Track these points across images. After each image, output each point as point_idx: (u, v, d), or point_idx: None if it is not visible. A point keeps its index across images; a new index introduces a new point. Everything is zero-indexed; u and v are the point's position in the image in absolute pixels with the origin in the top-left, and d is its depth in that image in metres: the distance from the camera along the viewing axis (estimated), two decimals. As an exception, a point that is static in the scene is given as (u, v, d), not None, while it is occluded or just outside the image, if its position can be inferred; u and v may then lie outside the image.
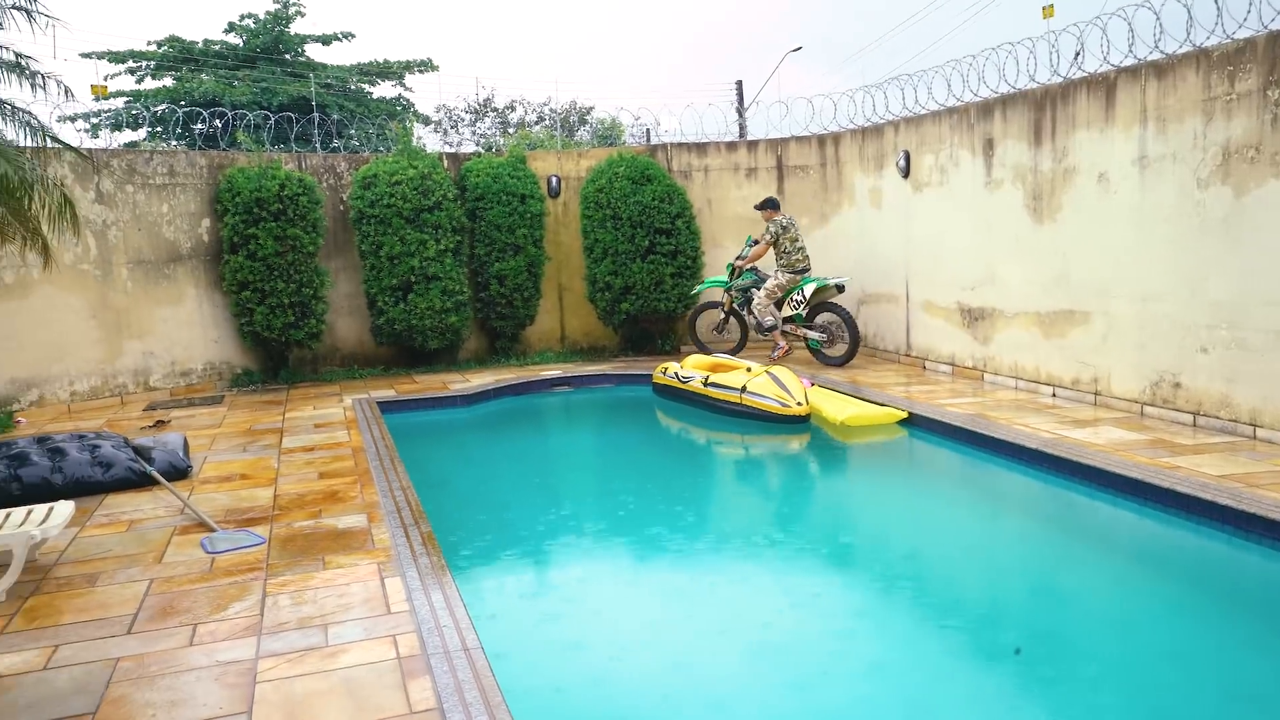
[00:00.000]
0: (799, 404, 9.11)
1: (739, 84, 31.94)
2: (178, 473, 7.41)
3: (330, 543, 5.80)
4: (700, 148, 13.70)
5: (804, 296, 11.63)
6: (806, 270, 11.79)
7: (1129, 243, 8.37)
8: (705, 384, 9.96)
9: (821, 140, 13.35)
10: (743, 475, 8.85)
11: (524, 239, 12.59)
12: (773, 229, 11.71)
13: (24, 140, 8.24)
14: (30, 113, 7.78)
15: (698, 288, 12.56)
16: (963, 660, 4.72)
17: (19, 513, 5.51)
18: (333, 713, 3.74)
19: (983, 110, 10.18)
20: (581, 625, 5.30)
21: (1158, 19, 8.02)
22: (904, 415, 8.92)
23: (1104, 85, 8.56)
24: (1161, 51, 8.05)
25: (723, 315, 12.57)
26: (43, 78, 7.88)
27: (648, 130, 20.08)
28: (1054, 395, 9.33)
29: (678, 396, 10.53)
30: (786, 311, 11.82)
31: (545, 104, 30.61)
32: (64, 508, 5.59)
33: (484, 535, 6.75)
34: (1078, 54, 8.95)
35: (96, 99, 14.37)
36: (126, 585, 5.22)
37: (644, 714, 4.27)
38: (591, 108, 30.46)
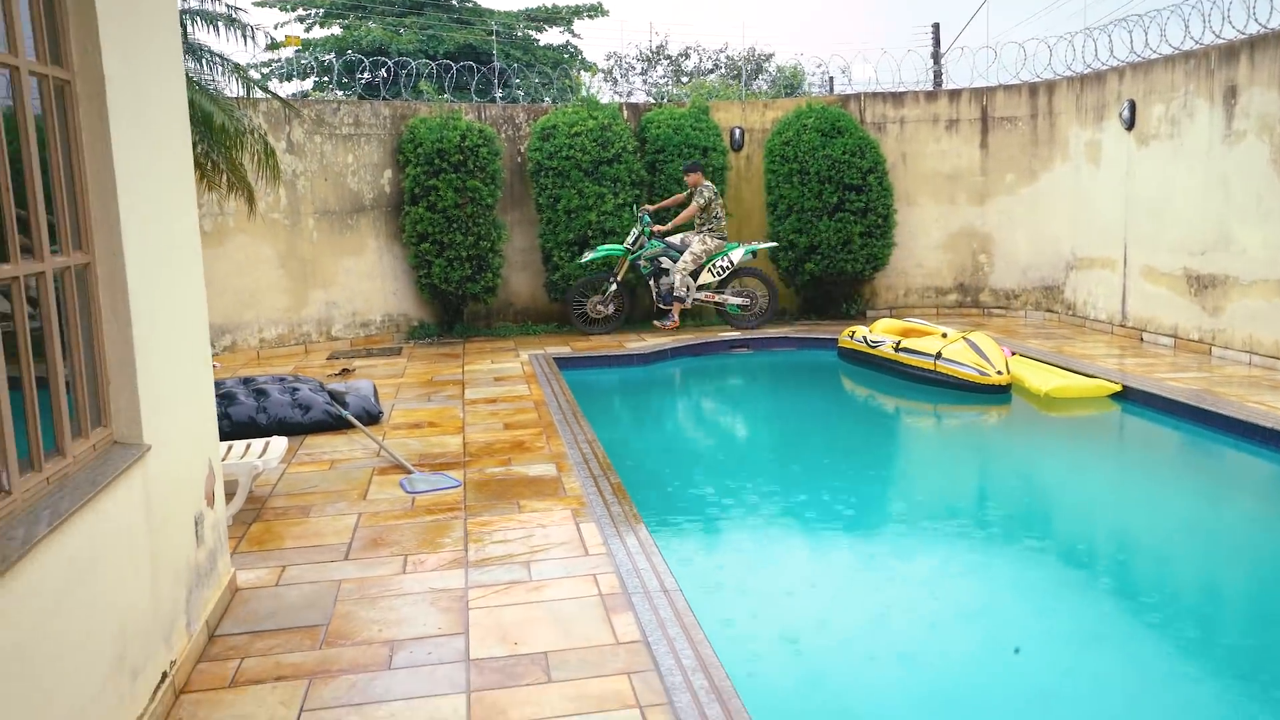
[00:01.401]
0: (999, 373, 9.17)
1: (935, 27, 31.28)
2: (370, 418, 8.17)
3: (523, 488, 6.36)
4: (896, 98, 13.69)
5: (731, 263, 12.21)
6: (725, 236, 12.37)
7: (1391, 204, 8.04)
8: (896, 349, 10.12)
9: (1033, 89, 13.13)
10: (938, 446, 9.01)
11: (704, 193, 12.93)
12: (707, 193, 12.12)
13: (231, 89, 9.16)
14: (239, 65, 8.64)
15: (590, 255, 12.21)
16: (1180, 659, 4.84)
17: (240, 445, 6.30)
18: (543, 639, 4.24)
19: (1226, 53, 9.86)
20: (770, 581, 5.67)
21: None
22: (1117, 388, 8.86)
23: (1369, 26, 8.21)
24: None
25: (614, 286, 12.42)
26: (251, 29, 8.72)
27: (830, 79, 20.05)
28: (1293, 373, 9.06)
29: (865, 362, 10.72)
30: (706, 278, 12.26)
31: (721, 51, 30.82)
32: (279, 443, 6.35)
33: (667, 491, 7.21)
34: (1339, -10, 8.59)
35: (291, 50, 15.47)
36: (337, 518, 5.91)
37: (837, 662, 4.62)
38: (771, 55, 30.49)
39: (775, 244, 12.78)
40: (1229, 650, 4.79)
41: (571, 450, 7.19)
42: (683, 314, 12.55)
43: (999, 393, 9.21)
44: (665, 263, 12.26)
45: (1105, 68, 11.84)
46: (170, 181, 4.28)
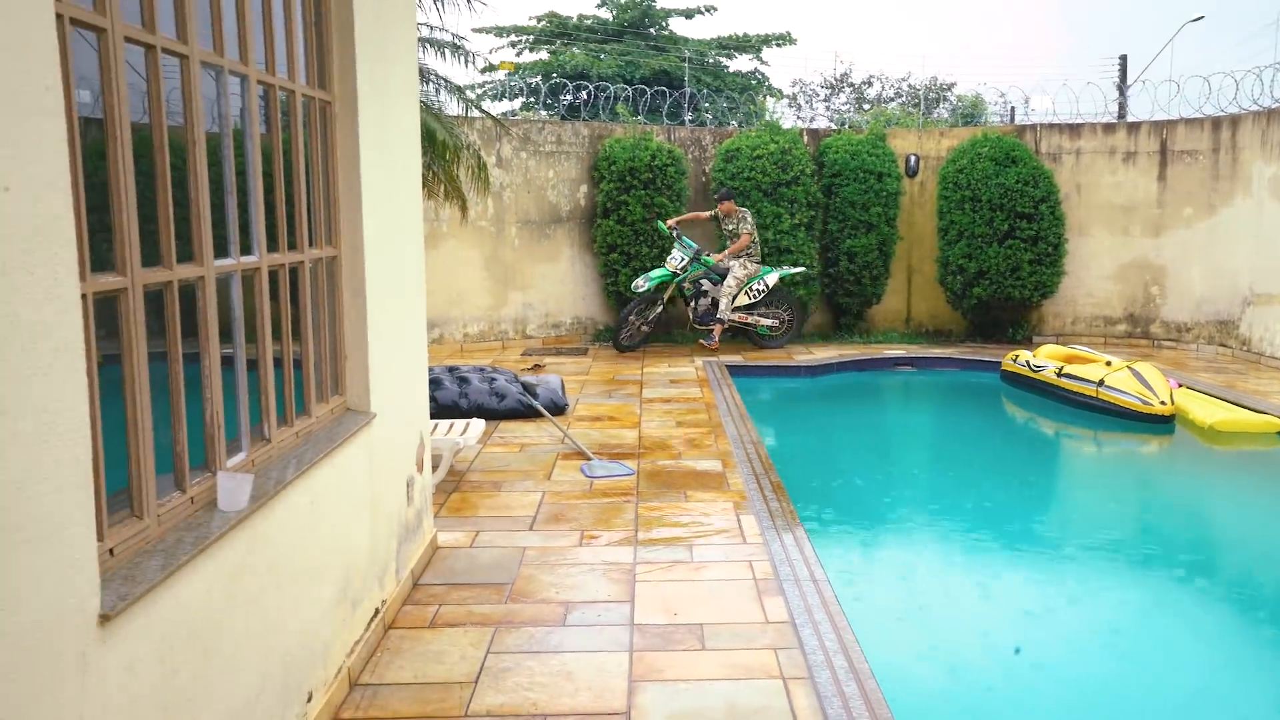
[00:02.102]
0: (1163, 403, 8.85)
1: (1122, 59, 29.93)
2: (557, 409, 8.59)
3: (690, 480, 6.62)
4: (1073, 129, 13.31)
5: (766, 286, 12.04)
6: (761, 260, 12.26)
7: None
8: (1058, 374, 9.89)
9: (1216, 123, 12.53)
10: (1094, 470, 8.78)
11: (877, 217, 12.91)
12: (752, 219, 11.93)
13: (451, 108, 9.79)
14: (459, 87, 9.24)
15: (647, 285, 11.67)
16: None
17: (444, 424, 6.79)
18: (700, 612, 4.48)
19: None
20: (916, 584, 5.74)
21: None
22: (1286, 425, 8.44)
23: None
24: None
25: (660, 309, 12.10)
26: (471, 55, 9.33)
27: (1012, 109, 19.54)
28: None
29: (1027, 386, 10.50)
30: (742, 300, 12.03)
31: (904, 79, 30.37)
32: (477, 425, 6.82)
33: (823, 493, 7.33)
34: None
35: (504, 74, 16.28)
36: (524, 494, 6.31)
37: (970, 661, 4.67)
38: (953, 84, 29.86)
39: (805, 269, 12.50)
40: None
41: (736, 449, 7.40)
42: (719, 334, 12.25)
43: (1162, 423, 8.89)
44: (705, 285, 12.09)
45: (1294, 104, 11.22)
46: (402, 190, 4.74)
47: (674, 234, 11.99)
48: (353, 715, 3.61)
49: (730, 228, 12.05)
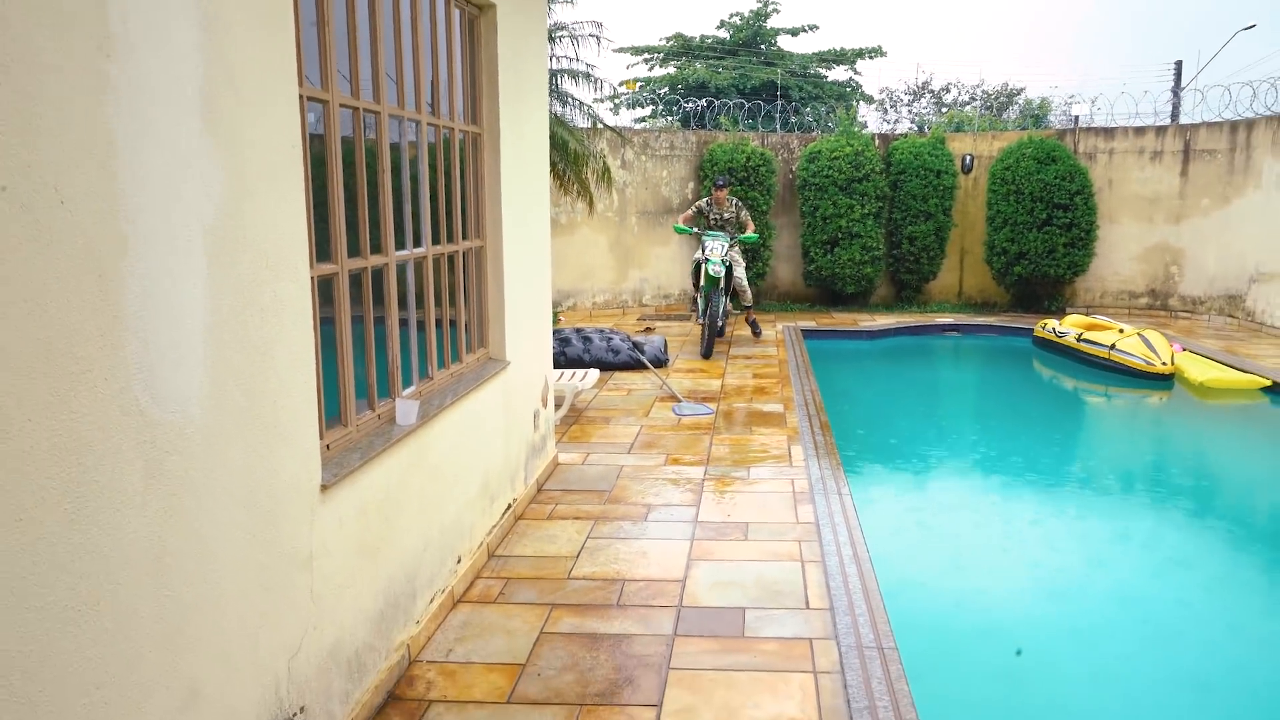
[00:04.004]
0: (1164, 364, 8.82)
1: (1178, 64, 28.31)
2: (660, 363, 9.13)
3: (756, 419, 7.08)
4: (1108, 132, 12.99)
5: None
6: None
7: None
8: (1078, 339, 9.89)
9: (1234, 126, 12.06)
10: (1099, 419, 8.85)
11: (935, 208, 12.93)
12: (744, 205, 10.41)
13: (581, 123, 10.33)
14: (588, 104, 9.77)
15: (722, 271, 9.50)
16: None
17: (568, 373, 7.42)
18: (747, 514, 4.98)
19: None
20: (924, 499, 6.09)
21: None
22: (1267, 383, 8.31)
23: None
24: None
25: (711, 302, 9.71)
26: (598, 80, 9.84)
27: (1076, 118, 18.94)
28: None
29: (1054, 349, 10.51)
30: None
31: (978, 85, 29.48)
32: (593, 373, 7.42)
33: (862, 429, 7.68)
34: None
35: (628, 92, 16.74)
36: (627, 426, 6.88)
37: (955, 565, 5.04)
38: (1023, 89, 28.89)
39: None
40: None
41: (797, 395, 7.80)
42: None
43: (1162, 380, 8.87)
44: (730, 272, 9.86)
45: (1306, 109, 10.75)
46: (532, 196, 5.31)
47: (694, 229, 10.02)
48: (489, 575, 4.27)
49: (728, 215, 10.19)
